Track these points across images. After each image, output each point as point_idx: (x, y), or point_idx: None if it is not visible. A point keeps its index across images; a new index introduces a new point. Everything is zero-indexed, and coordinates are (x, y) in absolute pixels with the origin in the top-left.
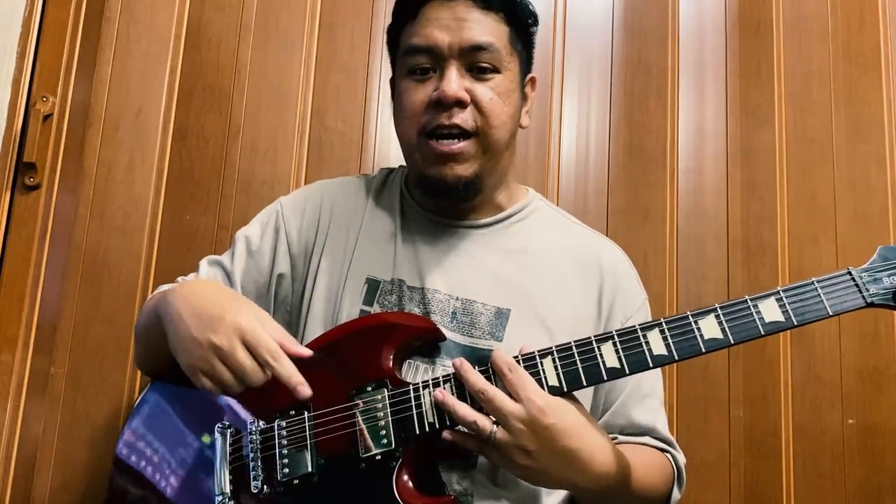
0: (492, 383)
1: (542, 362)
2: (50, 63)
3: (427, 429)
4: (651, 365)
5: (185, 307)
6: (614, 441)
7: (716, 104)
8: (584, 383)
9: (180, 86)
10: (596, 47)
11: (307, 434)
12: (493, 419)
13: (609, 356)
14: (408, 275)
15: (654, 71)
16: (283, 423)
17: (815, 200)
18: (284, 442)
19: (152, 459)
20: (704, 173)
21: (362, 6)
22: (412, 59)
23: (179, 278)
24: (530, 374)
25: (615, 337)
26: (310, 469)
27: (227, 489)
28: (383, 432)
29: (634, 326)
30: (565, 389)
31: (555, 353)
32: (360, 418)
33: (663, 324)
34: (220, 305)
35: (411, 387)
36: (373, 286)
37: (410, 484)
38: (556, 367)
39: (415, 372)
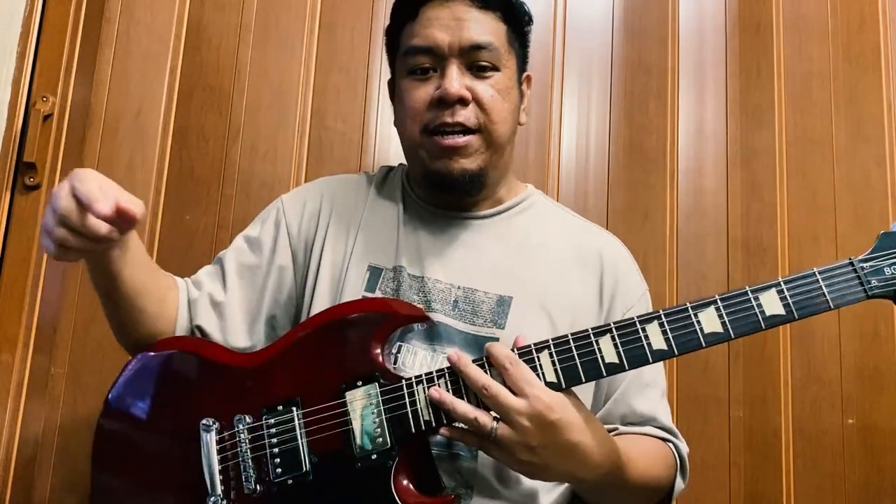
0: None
1: (538, 357)
2: (50, 63)
3: (423, 427)
4: (651, 360)
5: None
6: (616, 431)
7: (716, 104)
8: (583, 379)
9: (180, 86)
10: (596, 48)
11: (297, 432)
12: (494, 415)
13: (608, 351)
14: (409, 262)
15: (654, 71)
16: (272, 421)
17: (815, 200)
18: (275, 441)
19: (133, 437)
20: (704, 174)
21: (362, 6)
22: (413, 60)
23: (179, 279)
24: None
25: (614, 330)
26: (304, 468)
27: (219, 489)
28: (378, 430)
29: (633, 319)
30: (563, 386)
31: (552, 347)
32: (352, 416)
33: (662, 316)
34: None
35: (404, 382)
36: (375, 273)
37: (409, 484)
38: (553, 363)
39: (413, 357)
